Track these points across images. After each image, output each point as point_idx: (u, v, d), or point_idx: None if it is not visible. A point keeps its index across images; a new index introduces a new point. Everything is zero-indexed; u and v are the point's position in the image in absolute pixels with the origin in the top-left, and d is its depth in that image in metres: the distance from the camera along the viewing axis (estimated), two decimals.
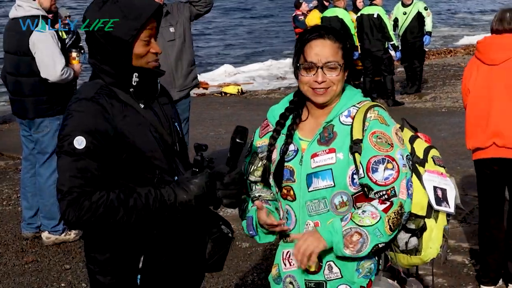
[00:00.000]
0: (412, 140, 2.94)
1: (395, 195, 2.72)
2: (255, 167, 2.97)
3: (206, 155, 2.78)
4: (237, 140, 2.73)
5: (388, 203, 2.71)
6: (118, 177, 2.67)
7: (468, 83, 5.13)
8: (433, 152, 2.94)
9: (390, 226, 2.70)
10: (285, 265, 2.94)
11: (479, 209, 5.32)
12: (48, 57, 6.12)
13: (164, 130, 2.81)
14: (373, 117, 2.78)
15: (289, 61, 21.77)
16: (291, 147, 2.87)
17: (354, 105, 2.84)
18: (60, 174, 2.62)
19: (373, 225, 2.69)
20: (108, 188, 2.61)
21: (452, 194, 2.87)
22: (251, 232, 2.96)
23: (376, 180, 2.72)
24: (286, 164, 2.85)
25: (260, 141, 2.97)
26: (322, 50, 2.78)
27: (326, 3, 14.96)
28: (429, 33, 14.22)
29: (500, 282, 5.31)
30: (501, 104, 4.94)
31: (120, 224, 2.62)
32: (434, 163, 2.90)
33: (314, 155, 2.79)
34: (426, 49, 15.61)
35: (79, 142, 2.59)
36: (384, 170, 2.72)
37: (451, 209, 2.84)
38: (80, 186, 2.57)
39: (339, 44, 2.81)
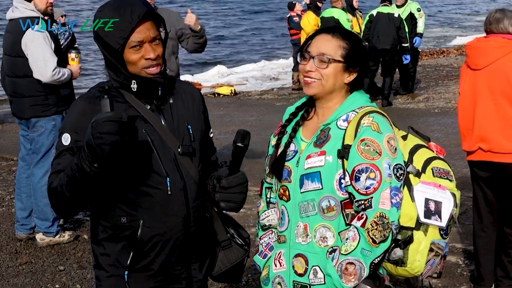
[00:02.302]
0: (414, 149, 2.86)
1: (370, 207, 2.68)
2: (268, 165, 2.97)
3: None
4: (238, 144, 2.73)
5: (364, 216, 2.69)
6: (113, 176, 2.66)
7: (460, 86, 5.17)
8: (436, 164, 2.85)
9: (372, 238, 2.65)
10: (275, 265, 2.93)
11: (473, 210, 5.34)
12: (39, 58, 6.12)
13: (169, 133, 2.81)
14: (366, 124, 2.74)
15: (282, 61, 21.82)
16: (292, 147, 2.88)
17: (354, 110, 2.82)
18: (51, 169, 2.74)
19: (356, 247, 2.67)
20: None
21: (448, 208, 2.79)
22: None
23: (358, 189, 2.70)
24: (285, 163, 2.87)
25: (274, 141, 2.99)
26: (321, 43, 2.81)
27: (320, 4, 14.97)
28: (420, 35, 14.11)
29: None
30: (485, 109, 4.96)
31: (65, 198, 2.63)
32: (433, 174, 2.82)
33: (308, 157, 2.80)
34: (419, 50, 15.60)
35: (65, 139, 2.69)
36: (366, 179, 2.68)
37: (442, 223, 2.76)
38: (57, 170, 2.66)
39: (343, 42, 2.82)
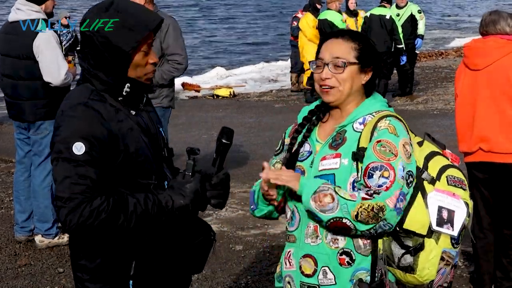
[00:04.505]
0: (430, 156, 2.84)
1: (378, 194, 2.64)
2: (278, 160, 2.98)
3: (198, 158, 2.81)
4: (223, 140, 2.77)
5: (370, 198, 2.64)
6: (114, 183, 2.66)
7: (457, 87, 5.17)
8: (450, 172, 2.83)
9: (357, 213, 2.62)
10: (285, 264, 2.94)
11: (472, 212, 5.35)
12: (53, 61, 6.06)
13: (153, 135, 2.83)
14: (383, 127, 2.74)
15: (281, 63, 21.81)
16: (307, 148, 2.89)
17: (371, 113, 2.82)
18: (58, 181, 2.60)
19: (346, 200, 2.64)
20: (108, 194, 2.60)
21: (461, 218, 2.77)
22: (252, 207, 2.99)
23: (370, 186, 2.68)
24: (298, 163, 2.87)
25: (288, 140, 3.00)
26: (332, 47, 2.81)
27: (319, 6, 14.96)
28: (421, 36, 14.25)
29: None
30: (485, 109, 4.97)
31: (120, 230, 2.62)
32: (448, 183, 2.79)
33: (323, 158, 2.80)
34: (417, 52, 15.64)
35: (78, 148, 2.57)
36: (380, 177, 2.66)
37: (454, 232, 2.74)
38: (81, 192, 2.55)
39: (354, 44, 2.82)
